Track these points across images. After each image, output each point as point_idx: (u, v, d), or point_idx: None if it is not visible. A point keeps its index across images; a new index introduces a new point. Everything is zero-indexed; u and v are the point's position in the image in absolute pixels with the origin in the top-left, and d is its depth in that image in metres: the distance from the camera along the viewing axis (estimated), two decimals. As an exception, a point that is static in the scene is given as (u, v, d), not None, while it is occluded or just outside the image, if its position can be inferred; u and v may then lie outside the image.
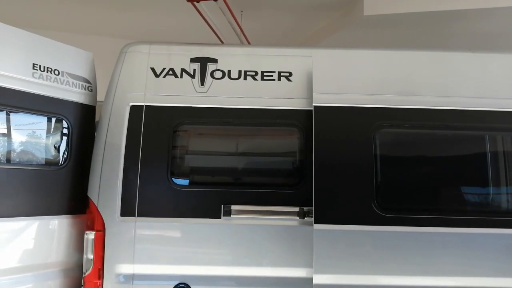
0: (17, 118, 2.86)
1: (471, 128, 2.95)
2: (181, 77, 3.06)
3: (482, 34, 6.40)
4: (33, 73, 2.87)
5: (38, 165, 2.95)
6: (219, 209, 2.85)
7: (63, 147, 3.06)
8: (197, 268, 2.83)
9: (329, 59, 3.08)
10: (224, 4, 4.71)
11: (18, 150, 2.89)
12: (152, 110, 2.99)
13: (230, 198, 2.87)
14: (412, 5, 5.71)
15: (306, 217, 2.82)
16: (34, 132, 2.99)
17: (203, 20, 5.01)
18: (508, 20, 5.88)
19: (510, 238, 2.77)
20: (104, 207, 2.83)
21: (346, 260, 2.76)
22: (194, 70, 3.07)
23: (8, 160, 2.80)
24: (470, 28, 6.20)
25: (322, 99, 2.94)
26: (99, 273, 2.77)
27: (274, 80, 3.06)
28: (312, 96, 2.95)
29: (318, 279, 2.72)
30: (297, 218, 2.83)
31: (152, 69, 3.06)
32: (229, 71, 3.07)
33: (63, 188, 2.99)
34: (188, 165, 3.15)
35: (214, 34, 5.33)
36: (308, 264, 2.77)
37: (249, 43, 5.81)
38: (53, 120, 3.04)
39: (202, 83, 3.06)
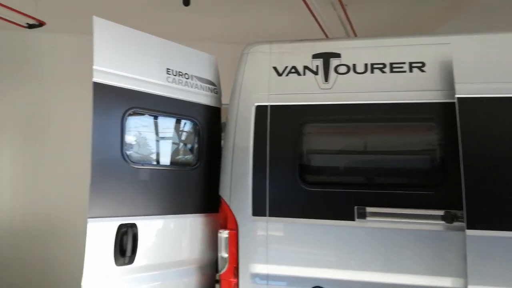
0: (155, 122, 3.03)
1: None
2: (304, 74, 2.99)
3: None
4: (167, 78, 3.02)
5: (176, 165, 3.11)
6: (352, 211, 2.71)
7: (195, 148, 3.18)
8: (331, 271, 2.73)
9: (471, 46, 2.78)
10: (335, -2, 4.57)
11: (159, 152, 3.07)
12: (277, 109, 2.96)
13: (363, 199, 2.72)
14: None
15: (455, 221, 2.55)
16: (171, 135, 3.15)
17: (303, 18, 4.91)
18: None
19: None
20: (236, 207, 2.87)
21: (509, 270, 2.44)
22: (317, 66, 2.98)
23: (154, 161, 2.98)
24: None
25: (466, 90, 2.65)
26: (234, 271, 2.81)
27: (405, 71, 2.84)
28: (450, 88, 2.68)
29: (474, 291, 2.45)
30: (442, 222, 2.58)
31: (275, 68, 3.04)
32: (354, 65, 2.93)
33: (196, 188, 3.10)
34: (317, 165, 3.06)
35: (318, 31, 5.21)
36: (456, 273, 2.51)
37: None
38: (185, 122, 3.18)
39: (326, 80, 2.96)
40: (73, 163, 5.46)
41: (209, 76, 3.30)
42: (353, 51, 2.98)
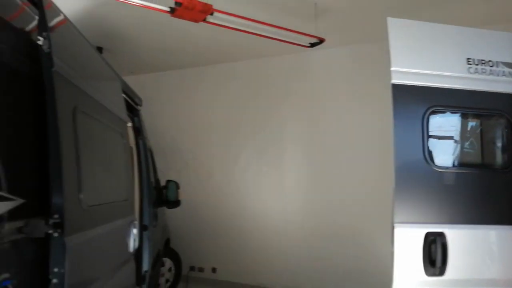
0: (458, 119, 2.74)
1: None
2: None
3: None
4: (468, 69, 2.67)
5: (484, 168, 2.72)
6: None
7: (506, 148, 2.69)
8: None
9: None
10: None
11: (464, 153, 2.75)
12: None
13: None
14: None
15: None
16: (475, 133, 2.78)
17: None
18: None
19: None
20: None
21: None
22: None
23: (459, 164, 2.70)
24: None
25: None
26: None
27: None
28: None
29: None
30: None
31: None
32: None
33: (510, 194, 2.61)
34: None
35: None
36: None
37: None
38: (492, 117, 2.74)
39: None
40: (357, 167, 5.73)
41: (517, 59, 2.74)
42: None
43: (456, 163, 2.71)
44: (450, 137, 2.72)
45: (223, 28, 4.28)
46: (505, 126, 2.69)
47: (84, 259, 1.96)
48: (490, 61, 2.71)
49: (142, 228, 4.43)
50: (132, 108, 4.55)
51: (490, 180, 2.64)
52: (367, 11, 4.83)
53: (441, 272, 2.46)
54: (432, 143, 2.59)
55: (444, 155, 2.69)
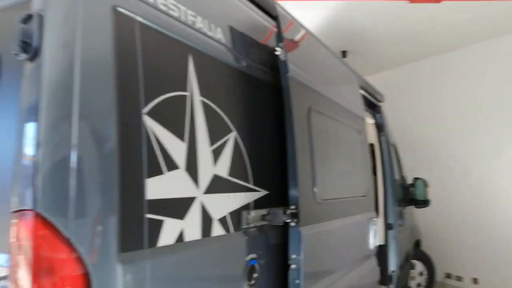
0: None
1: None
2: None
3: None
4: None
5: None
6: None
7: None
8: None
9: None
10: None
11: None
12: None
13: None
14: None
15: None
16: None
17: None
18: None
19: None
20: None
21: None
22: None
23: None
24: None
25: None
26: None
27: None
28: None
29: None
30: None
31: None
32: None
33: None
34: None
35: None
36: None
37: None
38: None
39: None
40: None
41: None
42: None
43: None
44: None
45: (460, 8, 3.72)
46: None
47: (319, 250, 2.08)
48: None
49: (387, 227, 4.33)
50: (374, 105, 4.52)
51: None
52: None
53: None
54: None
55: None
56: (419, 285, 5.47)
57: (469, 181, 6.16)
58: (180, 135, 1.42)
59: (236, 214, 1.67)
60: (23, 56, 1.07)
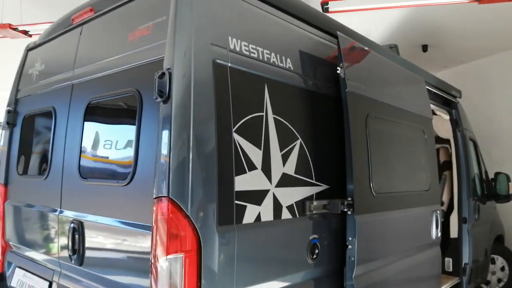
0: None
1: None
2: None
3: None
4: None
5: None
6: None
7: None
8: None
9: None
10: None
11: None
12: None
13: None
14: None
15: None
16: None
17: None
18: None
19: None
20: None
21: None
22: None
23: None
24: None
25: None
26: None
27: None
28: None
29: None
30: None
31: None
32: None
33: None
34: None
35: None
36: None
37: None
38: None
39: None
40: None
41: None
42: None
43: None
44: None
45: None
46: None
47: (373, 235, 2.50)
48: None
49: (462, 221, 4.48)
50: (449, 101, 4.65)
51: None
52: None
53: None
54: None
55: None
56: (500, 280, 5.44)
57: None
58: (258, 145, 1.97)
59: (301, 203, 2.18)
60: (159, 99, 1.69)
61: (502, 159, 6.73)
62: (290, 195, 2.12)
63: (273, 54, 2.15)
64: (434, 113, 4.80)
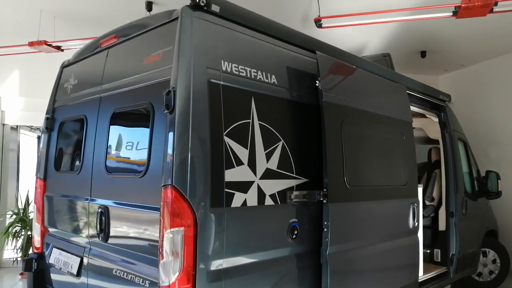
0: None
1: None
2: None
3: None
4: None
5: None
6: None
7: None
8: None
9: None
10: None
11: None
12: None
13: None
14: None
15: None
16: None
17: None
18: None
19: None
20: None
21: None
22: None
23: None
24: None
25: None
26: None
27: None
28: None
29: None
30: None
31: None
32: None
33: None
34: None
35: None
36: None
37: None
38: None
39: None
40: None
41: None
42: None
43: None
44: None
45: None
46: None
47: (346, 221, 2.98)
48: None
49: (449, 215, 4.89)
50: (438, 105, 5.06)
51: None
52: None
53: None
54: None
55: None
56: (491, 272, 5.79)
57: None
58: (245, 145, 2.48)
59: (283, 193, 2.69)
60: (166, 111, 2.23)
61: (499, 158, 7.05)
62: (273, 186, 2.63)
63: (259, 72, 2.67)
64: (424, 116, 5.23)
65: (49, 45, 5.26)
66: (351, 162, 3.08)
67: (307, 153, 2.93)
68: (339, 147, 3.00)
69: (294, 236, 2.73)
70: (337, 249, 2.85)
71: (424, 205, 5.42)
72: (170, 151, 2.22)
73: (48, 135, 3.64)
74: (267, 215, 2.61)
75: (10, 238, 6.57)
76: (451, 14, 3.95)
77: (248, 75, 2.60)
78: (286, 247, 2.70)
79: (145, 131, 2.51)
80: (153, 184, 2.36)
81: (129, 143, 2.73)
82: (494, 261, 5.82)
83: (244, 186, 2.46)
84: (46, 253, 3.52)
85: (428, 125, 5.47)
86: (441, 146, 5.14)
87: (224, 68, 2.46)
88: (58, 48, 5.36)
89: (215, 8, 2.47)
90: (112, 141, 2.82)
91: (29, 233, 6.44)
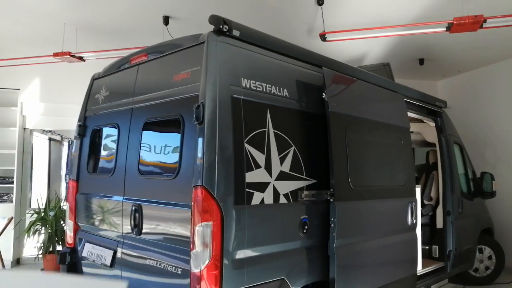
0: None
1: None
2: None
3: None
4: None
5: None
6: None
7: None
8: None
9: None
10: None
11: None
12: None
13: None
14: None
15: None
16: None
17: None
18: None
19: None
20: None
21: None
22: None
23: None
24: None
25: None
26: None
27: None
28: None
29: None
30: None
31: None
32: None
33: None
34: None
35: None
36: None
37: None
38: None
39: None
40: None
41: None
42: None
43: None
44: None
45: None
46: None
47: (350, 217, 3.36)
48: None
49: (446, 213, 5.25)
50: (435, 111, 5.43)
51: None
52: None
53: None
54: None
55: None
56: (487, 268, 6.13)
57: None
58: (262, 151, 2.86)
59: (295, 192, 3.07)
60: (196, 122, 2.62)
61: (495, 160, 7.40)
62: (286, 186, 3.01)
63: (273, 87, 3.05)
64: (422, 121, 5.60)
65: (73, 56, 5.65)
66: (355, 165, 3.45)
67: (316, 157, 3.30)
68: (344, 151, 3.37)
69: (304, 231, 3.10)
70: (343, 243, 3.22)
71: (423, 204, 5.79)
72: (200, 155, 2.59)
73: (80, 140, 4.02)
74: (281, 212, 2.99)
75: (31, 236, 6.96)
76: (445, 29, 4.31)
77: (264, 90, 2.98)
78: (298, 240, 3.07)
79: (176, 139, 2.89)
80: (184, 184, 2.73)
81: (161, 149, 3.12)
82: (490, 258, 6.15)
83: (261, 187, 2.84)
84: (79, 247, 3.90)
85: (425, 130, 5.84)
86: (438, 149, 5.51)
87: (243, 85, 2.84)
88: (81, 58, 5.76)
89: (235, 32, 2.85)
90: (144, 147, 3.21)
91: (49, 231, 6.84)
